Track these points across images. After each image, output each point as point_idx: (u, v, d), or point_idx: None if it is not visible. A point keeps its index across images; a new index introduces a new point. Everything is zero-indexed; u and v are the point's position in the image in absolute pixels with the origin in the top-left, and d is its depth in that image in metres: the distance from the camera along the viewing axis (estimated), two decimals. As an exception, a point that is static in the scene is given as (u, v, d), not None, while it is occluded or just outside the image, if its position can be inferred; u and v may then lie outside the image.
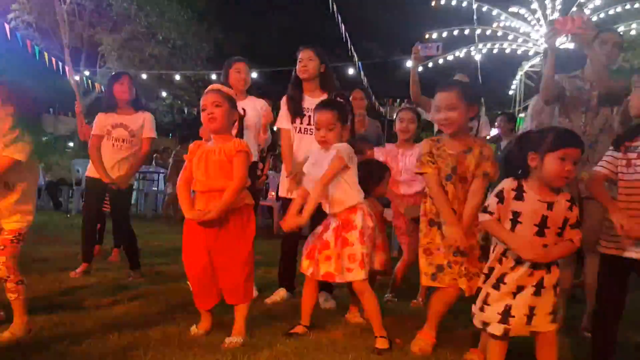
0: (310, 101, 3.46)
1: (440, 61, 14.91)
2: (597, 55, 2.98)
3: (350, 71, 13.94)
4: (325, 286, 3.40)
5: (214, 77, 14.76)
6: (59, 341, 2.41)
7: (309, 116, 3.44)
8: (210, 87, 2.68)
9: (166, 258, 4.91)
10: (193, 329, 2.65)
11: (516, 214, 2.06)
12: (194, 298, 2.70)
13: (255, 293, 3.53)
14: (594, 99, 3.06)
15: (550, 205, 2.04)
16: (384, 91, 16.72)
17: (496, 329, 2.06)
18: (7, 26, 11.31)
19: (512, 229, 2.06)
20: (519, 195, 2.07)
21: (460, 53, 15.59)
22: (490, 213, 2.09)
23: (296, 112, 3.49)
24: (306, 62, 3.45)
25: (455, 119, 2.50)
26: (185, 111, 16.92)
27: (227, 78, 3.62)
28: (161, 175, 10.18)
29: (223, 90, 2.64)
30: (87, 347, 2.35)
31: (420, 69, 4.03)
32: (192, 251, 2.60)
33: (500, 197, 2.09)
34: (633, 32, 13.17)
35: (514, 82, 16.82)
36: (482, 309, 2.12)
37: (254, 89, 3.82)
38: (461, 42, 15.41)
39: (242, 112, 2.73)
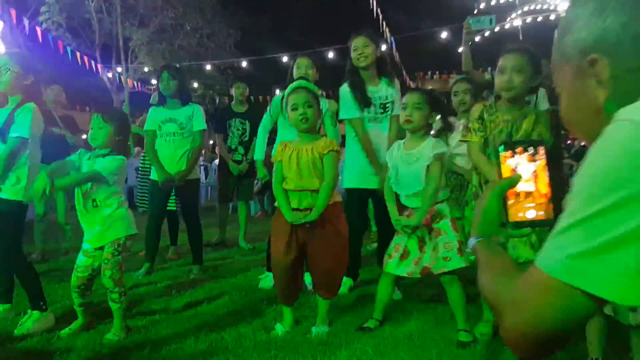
0: (373, 90, 3.38)
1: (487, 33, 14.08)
2: None
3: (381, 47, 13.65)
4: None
5: (244, 64, 14.72)
6: (137, 349, 2.43)
7: (374, 104, 3.37)
8: (297, 83, 2.65)
9: (220, 253, 4.93)
10: (279, 327, 2.66)
11: None
12: (278, 293, 2.75)
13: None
14: None
15: None
16: (414, 65, 16.39)
17: None
18: (38, 29, 11.50)
19: None
20: None
21: (506, 24, 14.82)
22: None
23: (365, 101, 3.36)
24: (362, 49, 3.33)
25: (520, 83, 2.39)
26: (217, 100, 16.98)
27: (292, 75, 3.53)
28: (201, 168, 10.26)
29: (311, 88, 2.62)
30: (168, 354, 2.37)
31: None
32: (282, 247, 2.61)
33: None
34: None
35: None
36: None
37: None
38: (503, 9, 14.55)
39: None
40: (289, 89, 2.64)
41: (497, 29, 13.70)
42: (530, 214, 0.92)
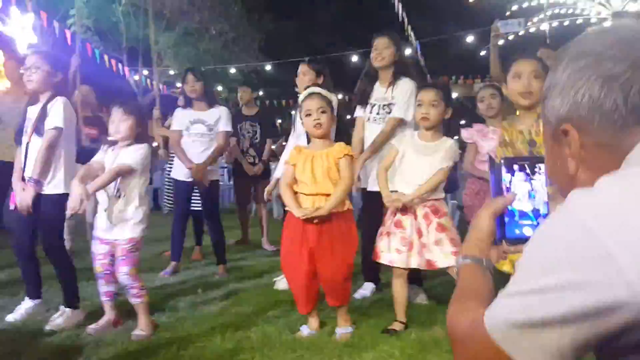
0: (380, 90, 3.40)
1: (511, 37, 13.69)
2: None
3: (406, 52, 13.57)
4: (415, 279, 3.32)
5: (268, 67, 14.80)
6: (164, 346, 2.46)
7: (379, 105, 3.38)
8: (311, 89, 2.68)
9: (243, 254, 4.96)
10: (305, 329, 2.65)
11: None
12: (295, 301, 2.73)
13: None
14: None
15: None
16: (439, 69, 16.21)
17: None
18: (67, 32, 11.73)
19: None
20: None
21: (531, 27, 14.45)
22: None
23: (360, 101, 3.45)
24: (382, 49, 3.35)
25: (538, 88, 2.27)
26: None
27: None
28: (224, 170, 10.32)
29: (324, 94, 2.64)
30: (195, 352, 2.39)
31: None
32: (294, 255, 2.62)
33: None
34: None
35: None
36: None
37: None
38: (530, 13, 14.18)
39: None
40: (302, 96, 2.67)
41: (522, 32, 13.32)
42: (527, 232, 0.90)
